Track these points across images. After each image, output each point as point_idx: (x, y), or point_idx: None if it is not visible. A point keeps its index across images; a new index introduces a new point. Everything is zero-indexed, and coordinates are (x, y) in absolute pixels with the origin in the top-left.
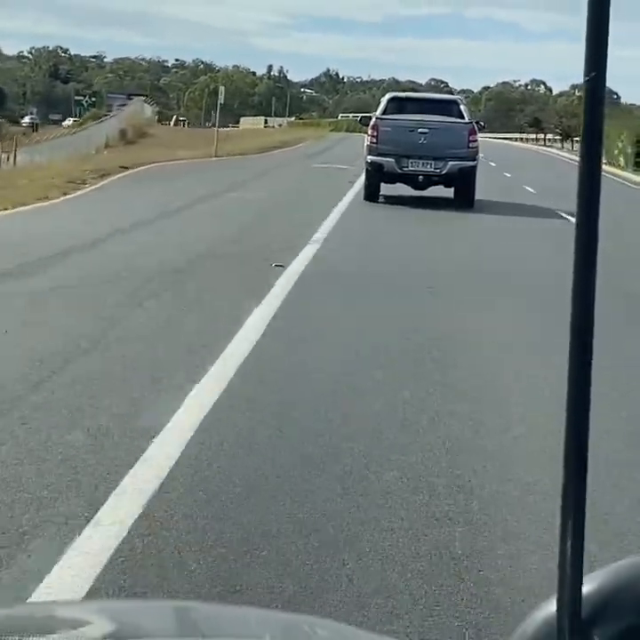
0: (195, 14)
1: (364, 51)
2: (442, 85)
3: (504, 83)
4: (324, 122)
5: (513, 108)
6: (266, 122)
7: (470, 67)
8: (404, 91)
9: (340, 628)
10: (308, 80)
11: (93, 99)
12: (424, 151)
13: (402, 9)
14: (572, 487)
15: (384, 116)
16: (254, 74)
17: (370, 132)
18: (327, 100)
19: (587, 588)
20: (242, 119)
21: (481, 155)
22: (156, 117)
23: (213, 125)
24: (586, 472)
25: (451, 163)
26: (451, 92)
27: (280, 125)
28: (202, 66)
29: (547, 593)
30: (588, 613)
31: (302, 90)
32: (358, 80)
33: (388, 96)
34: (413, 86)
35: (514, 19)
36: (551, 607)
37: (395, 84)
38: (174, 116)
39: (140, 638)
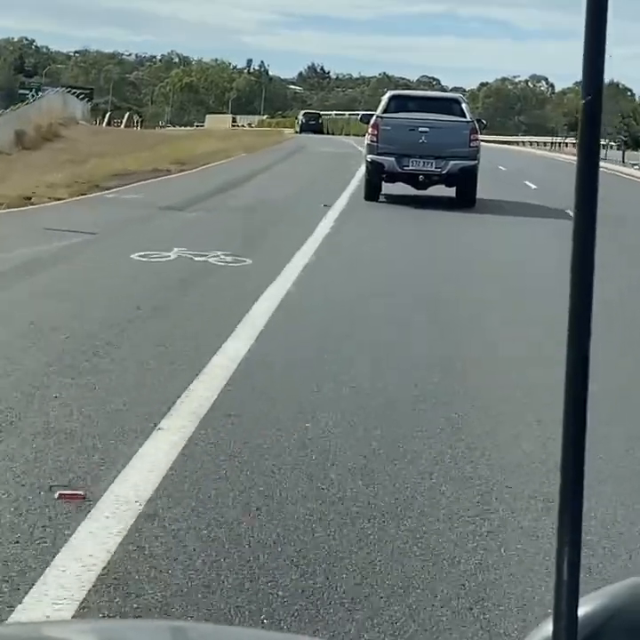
0: (187, 12)
1: (355, 49)
2: (433, 83)
3: (503, 79)
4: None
5: (513, 106)
6: (234, 120)
7: (462, 65)
8: (397, 87)
9: None
10: (293, 76)
11: (39, 92)
12: (425, 150)
13: (394, 7)
14: (568, 510)
15: (385, 115)
16: (235, 67)
17: (370, 130)
18: (311, 95)
19: (583, 611)
20: (207, 117)
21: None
22: (104, 115)
23: (168, 124)
24: (582, 494)
25: (452, 162)
26: (443, 90)
27: (250, 124)
28: (176, 59)
29: None
30: (585, 636)
31: (292, 87)
32: (348, 77)
33: (388, 94)
34: (405, 83)
35: (507, 17)
36: (547, 629)
37: (386, 80)
38: (128, 114)
39: None
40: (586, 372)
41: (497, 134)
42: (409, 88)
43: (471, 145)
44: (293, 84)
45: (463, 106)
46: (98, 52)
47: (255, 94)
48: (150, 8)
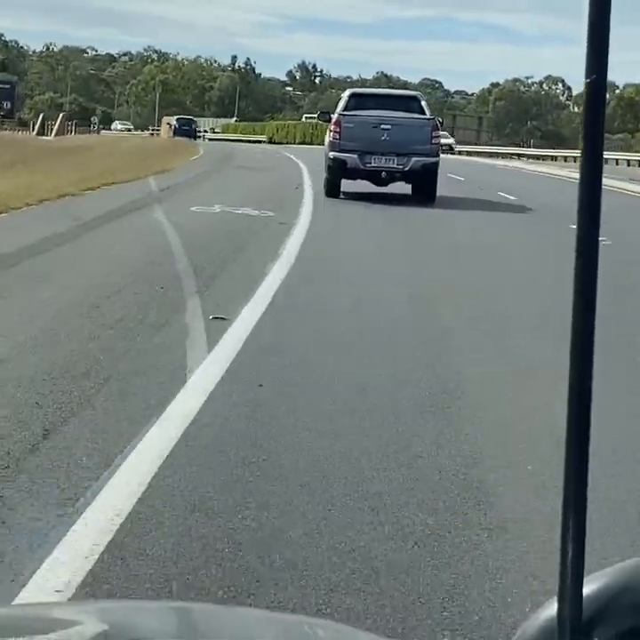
0: (182, 14)
1: (351, 51)
2: (436, 85)
3: (515, 79)
4: (273, 125)
5: (527, 110)
6: (195, 124)
7: (465, 68)
8: (396, 86)
9: (339, 628)
10: (282, 76)
11: None
12: (387, 147)
13: (393, 11)
14: (573, 488)
15: (347, 112)
16: (217, 63)
17: (332, 128)
18: (302, 96)
19: (588, 590)
20: (164, 119)
21: None
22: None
23: (100, 128)
24: (587, 474)
25: (414, 159)
26: (448, 93)
27: (212, 129)
28: (153, 55)
29: None
30: (589, 615)
31: (288, 89)
32: (342, 77)
33: (348, 92)
34: (404, 84)
35: (506, 22)
36: (552, 608)
37: (384, 80)
38: (60, 115)
39: (136, 639)
40: (590, 370)
41: (497, 144)
42: (410, 90)
43: (432, 142)
44: (284, 84)
45: (422, 103)
46: (66, 48)
47: (240, 94)
48: (142, 9)
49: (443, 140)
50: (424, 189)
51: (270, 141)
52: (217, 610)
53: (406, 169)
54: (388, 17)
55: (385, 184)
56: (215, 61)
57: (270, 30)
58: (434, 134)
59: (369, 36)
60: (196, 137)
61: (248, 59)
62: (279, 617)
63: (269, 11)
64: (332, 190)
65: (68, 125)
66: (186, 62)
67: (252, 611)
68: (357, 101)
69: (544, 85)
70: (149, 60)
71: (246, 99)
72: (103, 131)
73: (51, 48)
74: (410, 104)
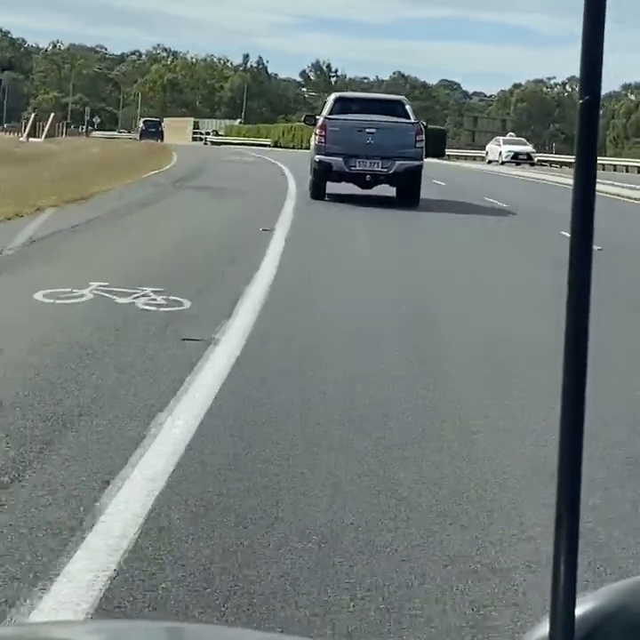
0: (198, 13)
1: (368, 52)
2: (454, 86)
3: (537, 81)
4: (279, 128)
5: (550, 113)
6: (196, 125)
7: (482, 69)
8: (414, 89)
9: None
10: (295, 76)
11: None
12: (372, 151)
13: (411, 11)
14: (565, 509)
15: (332, 116)
16: (229, 63)
17: (318, 131)
18: (316, 97)
19: (579, 611)
20: (165, 121)
21: None
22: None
23: (91, 130)
24: (579, 494)
25: (398, 162)
26: (466, 94)
27: (216, 132)
28: (163, 53)
29: None
30: (581, 637)
31: (303, 89)
32: (358, 78)
33: (333, 96)
34: (423, 85)
35: (525, 22)
36: (544, 629)
37: (401, 80)
38: (51, 116)
39: None
40: (583, 380)
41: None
42: (428, 91)
43: (417, 145)
44: (299, 84)
45: (407, 107)
46: (73, 45)
47: (253, 94)
48: (159, 8)
49: (515, 149)
50: (408, 192)
51: (276, 145)
52: (213, 630)
53: (390, 172)
54: (405, 17)
55: (369, 187)
56: (227, 60)
57: (285, 30)
58: (418, 138)
59: (385, 36)
60: (162, 139)
61: (260, 57)
62: (274, 638)
63: (284, 10)
64: (317, 193)
65: (58, 126)
66: (196, 61)
67: (248, 632)
68: (343, 105)
69: (567, 86)
70: (159, 59)
71: (259, 99)
72: (95, 132)
73: (57, 46)
74: (395, 108)
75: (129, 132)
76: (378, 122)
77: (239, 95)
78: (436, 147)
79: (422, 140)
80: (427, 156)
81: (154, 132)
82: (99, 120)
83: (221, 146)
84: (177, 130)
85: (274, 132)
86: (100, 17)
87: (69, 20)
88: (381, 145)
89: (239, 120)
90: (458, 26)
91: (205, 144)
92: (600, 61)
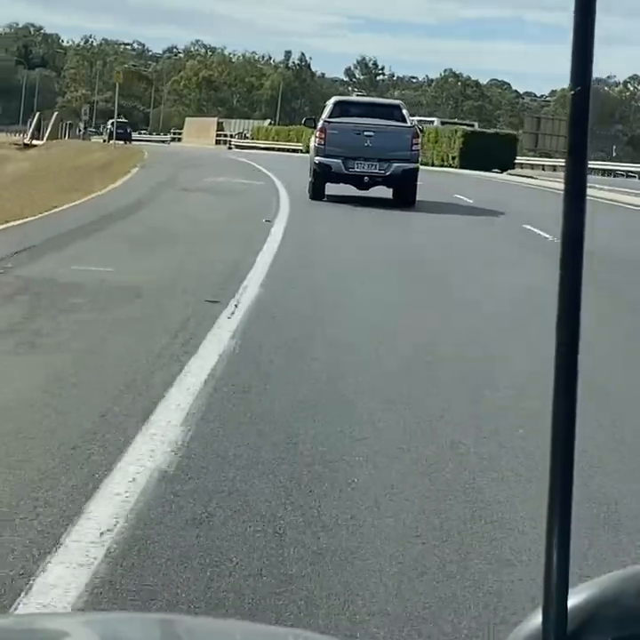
0: (247, 14)
1: (418, 53)
2: (504, 86)
3: (598, 79)
4: (310, 131)
5: (612, 113)
6: (220, 127)
7: (535, 70)
8: (465, 88)
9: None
10: (339, 74)
11: None
12: (370, 153)
13: (458, 11)
14: (557, 499)
15: (332, 119)
16: (272, 60)
17: (317, 134)
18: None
19: (572, 602)
20: (186, 121)
21: None
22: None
23: (90, 134)
24: (572, 484)
25: (395, 164)
26: (518, 94)
27: (241, 134)
28: (201, 50)
29: None
30: (574, 627)
31: (350, 88)
32: (412, 78)
33: (333, 100)
34: (474, 84)
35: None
36: (537, 620)
37: (453, 78)
38: (54, 115)
39: None
40: (574, 380)
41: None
42: (480, 90)
43: (413, 148)
44: (344, 83)
45: (404, 111)
46: (105, 41)
47: (295, 93)
48: (206, 7)
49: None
50: (404, 193)
51: (307, 151)
52: (203, 622)
53: (387, 174)
54: (456, 17)
55: (366, 188)
56: (270, 57)
57: (336, 29)
58: (414, 141)
59: (433, 35)
60: (130, 141)
61: (302, 54)
62: (265, 629)
63: (334, 10)
64: (317, 193)
65: (61, 127)
66: (234, 57)
67: (238, 623)
68: (342, 109)
69: (629, 85)
70: (195, 55)
71: (301, 98)
72: (95, 136)
73: (89, 42)
74: (391, 112)
75: (164, 135)
76: (376, 125)
77: (279, 93)
78: (504, 157)
79: (418, 144)
80: (490, 169)
81: (122, 133)
82: (123, 120)
83: (245, 151)
84: (200, 131)
85: (305, 134)
86: (145, 16)
87: (111, 19)
88: (379, 148)
89: (269, 121)
90: (506, 25)
91: (229, 148)
92: (591, 52)
